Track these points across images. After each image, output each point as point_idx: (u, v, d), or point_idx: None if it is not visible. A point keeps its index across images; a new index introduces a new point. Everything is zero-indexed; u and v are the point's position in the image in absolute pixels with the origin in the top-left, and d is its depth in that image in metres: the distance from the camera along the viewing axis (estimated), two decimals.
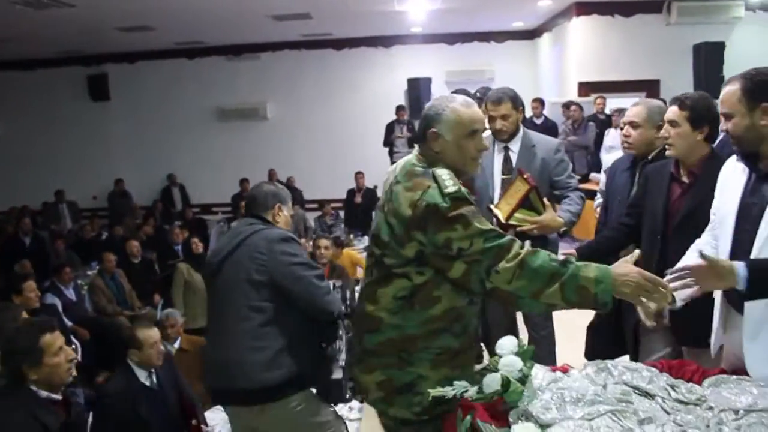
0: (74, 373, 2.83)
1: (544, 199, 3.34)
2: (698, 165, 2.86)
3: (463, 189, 2.18)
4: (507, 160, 3.68)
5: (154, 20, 9.47)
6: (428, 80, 11.61)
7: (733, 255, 2.39)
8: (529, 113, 9.39)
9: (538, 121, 9.09)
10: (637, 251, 2.25)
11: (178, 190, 12.79)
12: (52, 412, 2.66)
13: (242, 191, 11.32)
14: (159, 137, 12.70)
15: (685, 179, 2.90)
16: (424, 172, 2.23)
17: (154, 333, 3.58)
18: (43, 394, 2.67)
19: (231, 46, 12.36)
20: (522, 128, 3.74)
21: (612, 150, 6.96)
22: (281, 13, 9.43)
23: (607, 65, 9.20)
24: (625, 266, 2.14)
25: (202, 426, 3.90)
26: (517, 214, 3.32)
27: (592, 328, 3.53)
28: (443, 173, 2.19)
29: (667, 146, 2.92)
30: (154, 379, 3.58)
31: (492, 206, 3.47)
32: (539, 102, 9.50)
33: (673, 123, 2.86)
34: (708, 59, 8.70)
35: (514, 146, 3.67)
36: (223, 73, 12.58)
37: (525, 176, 3.32)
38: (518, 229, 3.30)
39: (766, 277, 2.12)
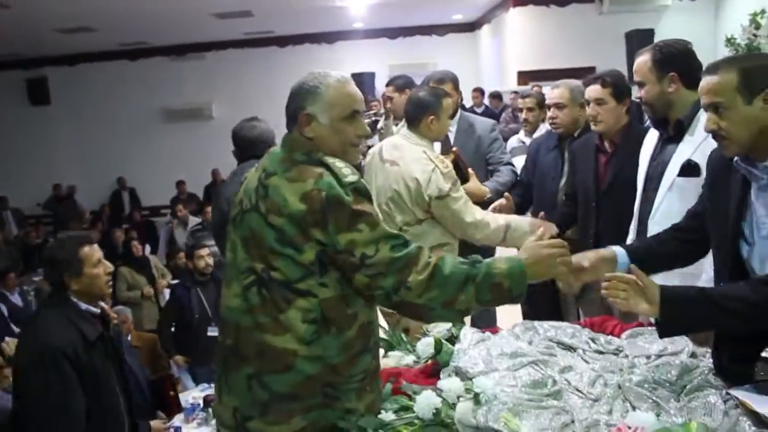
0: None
1: (469, 169, 3.50)
2: (619, 134, 3.07)
3: (363, 181, 1.85)
4: (446, 139, 3.84)
5: (95, 21, 9.38)
6: (372, 75, 11.74)
7: (640, 211, 2.62)
8: (470, 103, 9.63)
9: (479, 110, 9.32)
10: (540, 230, 2.10)
11: (128, 194, 12.67)
12: (91, 323, 2.76)
13: (179, 194, 11.32)
14: (105, 141, 12.53)
15: (608, 149, 3.11)
16: (308, 159, 1.83)
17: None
18: (83, 306, 2.77)
19: (175, 46, 12.29)
20: (459, 110, 3.92)
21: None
22: (223, 11, 9.44)
23: (544, 54, 9.47)
24: (532, 245, 1.97)
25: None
26: None
27: (528, 297, 3.72)
28: (335, 160, 1.84)
29: (594, 123, 3.10)
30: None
31: None
32: (479, 92, 9.75)
33: (599, 101, 3.02)
34: (639, 46, 8.89)
35: (453, 126, 3.83)
36: (168, 73, 12.50)
37: (453, 149, 3.50)
38: None
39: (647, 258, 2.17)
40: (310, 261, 1.77)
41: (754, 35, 6.89)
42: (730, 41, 7.28)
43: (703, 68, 2.56)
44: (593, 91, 3.06)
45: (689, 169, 2.44)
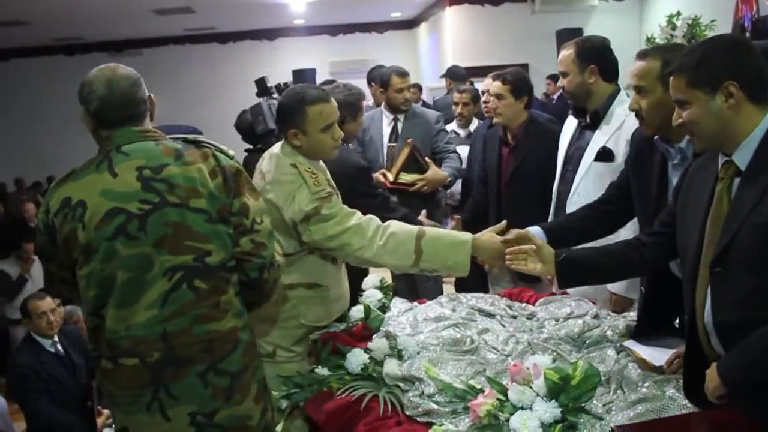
0: None
1: (426, 158, 3.72)
2: (520, 129, 3.34)
3: None
4: (394, 129, 4.09)
5: (28, 14, 9.23)
6: (313, 71, 11.82)
7: (558, 192, 2.90)
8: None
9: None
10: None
11: None
12: None
13: None
14: (38, 138, 12.30)
15: (510, 141, 3.38)
16: (197, 145, 1.97)
17: (44, 303, 3.76)
18: None
19: (113, 42, 12.16)
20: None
21: None
22: (163, 7, 9.44)
23: (479, 52, 9.77)
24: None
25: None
26: (405, 176, 3.71)
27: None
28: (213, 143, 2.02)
29: (494, 115, 3.37)
30: (59, 347, 3.84)
31: (383, 172, 3.84)
32: (417, 87, 9.98)
33: (499, 96, 3.30)
34: None
35: (401, 116, 4.10)
36: None
37: (408, 140, 3.74)
38: (410, 189, 3.68)
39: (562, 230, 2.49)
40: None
41: (671, 35, 7.33)
42: (650, 40, 7.71)
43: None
44: (494, 86, 3.33)
45: (604, 154, 2.73)
